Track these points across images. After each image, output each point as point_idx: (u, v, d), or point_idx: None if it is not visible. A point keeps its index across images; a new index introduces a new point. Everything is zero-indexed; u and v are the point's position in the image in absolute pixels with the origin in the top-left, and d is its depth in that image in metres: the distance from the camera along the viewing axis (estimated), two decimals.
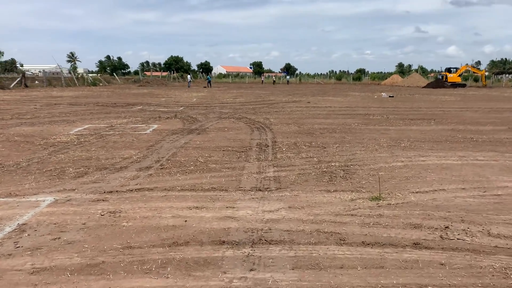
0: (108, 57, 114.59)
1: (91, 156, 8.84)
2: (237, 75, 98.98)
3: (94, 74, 77.48)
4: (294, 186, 6.60)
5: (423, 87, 51.56)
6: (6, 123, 14.27)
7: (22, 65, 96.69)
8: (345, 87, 56.48)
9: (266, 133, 12.29)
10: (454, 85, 50.81)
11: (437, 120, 15.77)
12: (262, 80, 75.55)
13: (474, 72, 62.77)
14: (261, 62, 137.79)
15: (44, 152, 9.24)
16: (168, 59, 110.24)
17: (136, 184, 6.66)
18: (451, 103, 25.46)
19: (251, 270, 3.79)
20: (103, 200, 5.83)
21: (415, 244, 4.36)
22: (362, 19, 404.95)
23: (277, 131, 12.79)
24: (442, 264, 3.91)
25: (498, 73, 73.71)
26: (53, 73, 60.23)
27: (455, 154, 9.16)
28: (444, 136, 11.87)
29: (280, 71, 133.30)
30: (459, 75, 53.98)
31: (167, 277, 3.64)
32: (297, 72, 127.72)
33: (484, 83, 55.85)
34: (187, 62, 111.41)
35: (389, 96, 31.63)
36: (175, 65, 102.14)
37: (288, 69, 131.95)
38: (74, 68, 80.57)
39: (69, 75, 56.38)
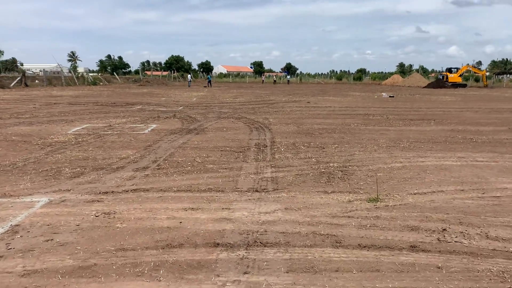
0: (109, 56, 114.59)
1: (88, 156, 8.79)
2: (237, 74, 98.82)
3: (94, 74, 77.44)
4: (292, 187, 6.55)
5: (423, 87, 51.46)
6: (5, 122, 14.22)
7: (22, 64, 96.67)
8: (346, 87, 56.40)
9: (265, 133, 12.23)
10: (455, 85, 50.71)
11: (437, 121, 15.70)
12: (263, 80, 75.43)
13: (475, 72, 62.66)
14: (261, 62, 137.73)
15: (41, 152, 9.19)
16: (169, 59, 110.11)
17: (132, 185, 6.61)
18: (452, 103, 25.38)
19: (245, 273, 3.74)
20: (98, 201, 5.78)
21: (412, 247, 4.31)
22: (363, 19, 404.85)
23: (276, 131, 12.73)
24: (439, 268, 3.86)
25: (499, 73, 73.58)
26: (54, 72, 60.17)
27: (454, 155, 9.10)
28: (444, 136, 11.81)
29: (281, 70, 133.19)
30: (460, 75, 53.88)
31: (159, 280, 3.59)
32: (298, 72, 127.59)
33: (485, 83, 55.72)
34: (187, 61, 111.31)
35: (390, 96, 31.56)
36: (176, 65, 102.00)
37: (289, 69, 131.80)
38: (74, 68, 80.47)
39: (69, 74, 56.36)
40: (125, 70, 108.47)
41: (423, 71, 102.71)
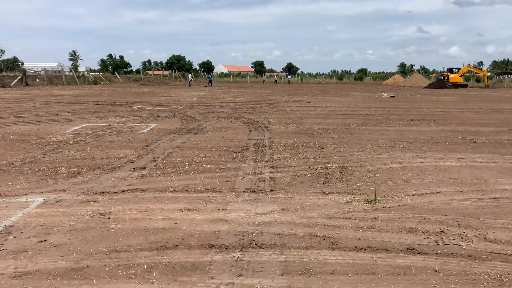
0: (110, 55, 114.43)
1: (85, 155, 8.75)
2: (238, 74, 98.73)
3: (96, 73, 77.46)
4: (289, 188, 6.50)
5: (424, 88, 51.33)
6: (3, 121, 14.19)
7: (22, 63, 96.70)
8: (347, 87, 56.31)
9: (264, 133, 12.18)
10: (456, 85, 50.59)
11: (437, 121, 15.64)
12: (264, 80, 75.37)
13: (476, 73, 62.50)
14: (263, 62, 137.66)
15: (38, 151, 9.16)
16: (170, 58, 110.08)
17: (129, 185, 6.56)
18: (452, 103, 25.30)
19: (239, 275, 3.69)
20: (93, 201, 5.73)
21: (409, 249, 4.25)
22: (364, 19, 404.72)
23: (275, 131, 12.68)
24: (436, 271, 3.81)
25: (500, 74, 73.15)
26: (55, 72, 60.17)
27: (454, 156, 9.04)
28: (444, 137, 11.75)
29: (282, 70, 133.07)
30: (461, 76, 53.74)
31: (152, 283, 3.55)
32: (299, 71, 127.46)
33: (486, 83, 55.58)
34: (189, 61, 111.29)
35: (390, 96, 31.48)
36: (177, 64, 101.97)
37: (290, 69, 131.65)
38: (75, 67, 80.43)
39: (70, 73, 56.36)
40: (126, 70, 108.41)
41: (424, 71, 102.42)
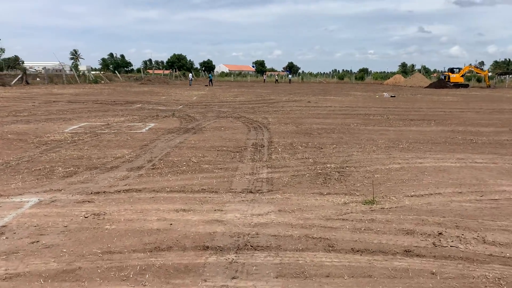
0: (111, 54, 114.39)
1: (83, 155, 8.70)
2: (239, 73, 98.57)
3: (96, 72, 77.39)
4: (287, 188, 6.44)
5: (425, 87, 51.17)
6: (2, 120, 14.15)
7: (23, 62, 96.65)
8: (348, 86, 56.19)
9: (263, 133, 12.12)
10: (457, 85, 50.44)
11: (437, 121, 15.56)
12: (264, 79, 75.20)
13: (477, 73, 62.34)
14: (263, 61, 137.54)
15: (35, 150, 9.11)
16: (171, 57, 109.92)
17: (125, 185, 6.51)
18: (453, 103, 25.21)
19: (233, 278, 3.64)
20: (88, 201, 5.68)
21: (406, 252, 4.19)
22: (365, 19, 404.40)
23: (275, 131, 12.62)
24: (433, 273, 3.75)
25: (501, 74, 72.94)
26: (55, 70, 60.13)
27: (454, 156, 8.97)
28: (444, 137, 11.68)
29: (283, 70, 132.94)
30: (462, 76, 53.58)
31: (144, 285, 3.49)
32: (300, 71, 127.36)
33: (487, 83, 55.41)
34: (190, 60, 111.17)
35: (391, 96, 31.40)
36: (178, 63, 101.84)
37: (291, 68, 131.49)
38: (76, 66, 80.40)
39: (71, 72, 56.31)
40: (127, 69, 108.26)
41: (425, 71, 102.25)
